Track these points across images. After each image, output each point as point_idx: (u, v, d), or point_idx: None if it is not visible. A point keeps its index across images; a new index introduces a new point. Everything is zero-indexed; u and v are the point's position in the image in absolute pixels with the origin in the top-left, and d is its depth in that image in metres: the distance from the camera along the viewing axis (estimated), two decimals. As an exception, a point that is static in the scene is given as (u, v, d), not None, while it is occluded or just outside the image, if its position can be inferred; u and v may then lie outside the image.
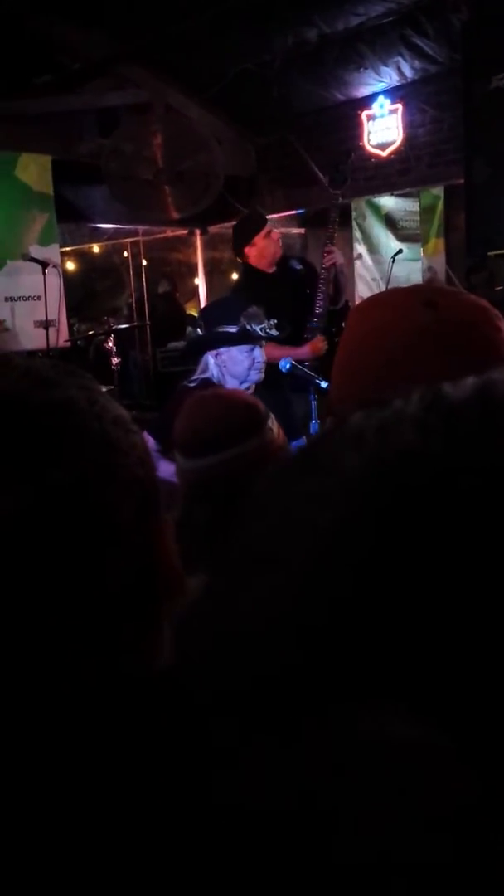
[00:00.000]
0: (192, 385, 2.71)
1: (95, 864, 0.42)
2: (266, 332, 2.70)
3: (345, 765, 0.24)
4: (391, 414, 0.30)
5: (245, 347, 2.68)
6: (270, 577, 0.28)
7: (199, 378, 2.72)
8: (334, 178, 4.36)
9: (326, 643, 0.26)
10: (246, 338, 2.68)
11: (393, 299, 0.89)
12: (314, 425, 3.19)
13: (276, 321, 2.73)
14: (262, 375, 2.75)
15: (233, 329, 2.69)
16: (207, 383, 2.68)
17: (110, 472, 0.49)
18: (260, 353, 2.72)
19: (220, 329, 2.72)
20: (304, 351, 3.86)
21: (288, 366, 3.09)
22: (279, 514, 0.30)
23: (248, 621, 0.28)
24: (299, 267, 4.16)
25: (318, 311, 4.01)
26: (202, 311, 4.22)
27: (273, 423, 1.41)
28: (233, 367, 2.68)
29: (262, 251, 3.98)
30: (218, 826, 0.29)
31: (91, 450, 0.48)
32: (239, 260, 4.19)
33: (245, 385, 2.71)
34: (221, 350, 2.68)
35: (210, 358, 2.71)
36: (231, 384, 2.67)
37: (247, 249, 4.00)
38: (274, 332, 2.74)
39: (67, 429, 0.48)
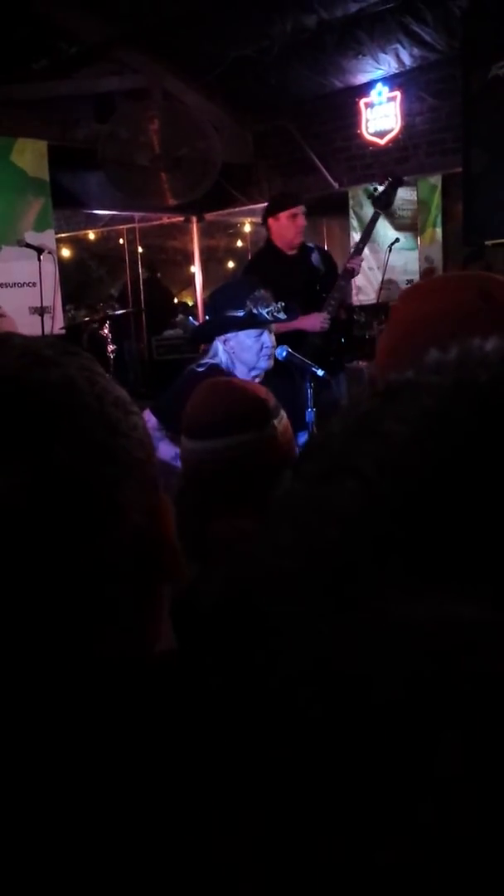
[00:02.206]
0: (200, 369, 2.70)
1: (94, 844, 0.42)
2: (273, 316, 2.69)
3: (404, 637, 0.25)
4: (468, 351, 0.32)
5: (253, 332, 2.66)
6: (353, 474, 0.29)
7: (208, 363, 2.70)
8: (378, 199, 4.40)
9: (415, 529, 0.27)
10: (253, 321, 2.66)
11: (449, 286, 0.89)
12: (310, 414, 3.18)
13: (283, 304, 2.72)
14: (272, 362, 2.74)
15: (240, 313, 2.68)
16: (215, 369, 2.66)
17: (110, 453, 0.49)
18: (269, 338, 2.71)
19: (227, 314, 2.71)
20: (307, 321, 3.91)
21: (284, 353, 3.08)
22: (363, 427, 0.31)
23: (336, 510, 0.29)
24: (319, 265, 4.24)
25: (329, 306, 4.08)
26: (209, 297, 4.24)
27: (281, 421, 1.40)
28: (241, 353, 2.67)
29: (281, 229, 4.09)
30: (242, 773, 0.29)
31: (91, 430, 0.48)
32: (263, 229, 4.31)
33: (255, 372, 2.69)
34: (230, 336, 2.67)
35: (219, 344, 2.69)
36: (240, 371, 2.65)
37: (270, 221, 4.13)
38: (282, 316, 2.73)
39: (67, 408, 0.47)
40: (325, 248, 5.47)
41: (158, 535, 0.53)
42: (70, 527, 0.46)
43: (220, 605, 0.33)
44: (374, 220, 4.43)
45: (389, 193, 4.43)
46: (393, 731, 0.24)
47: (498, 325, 0.77)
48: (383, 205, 4.42)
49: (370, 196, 4.61)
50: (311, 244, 4.36)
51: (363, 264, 4.70)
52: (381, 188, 4.44)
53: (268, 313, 2.66)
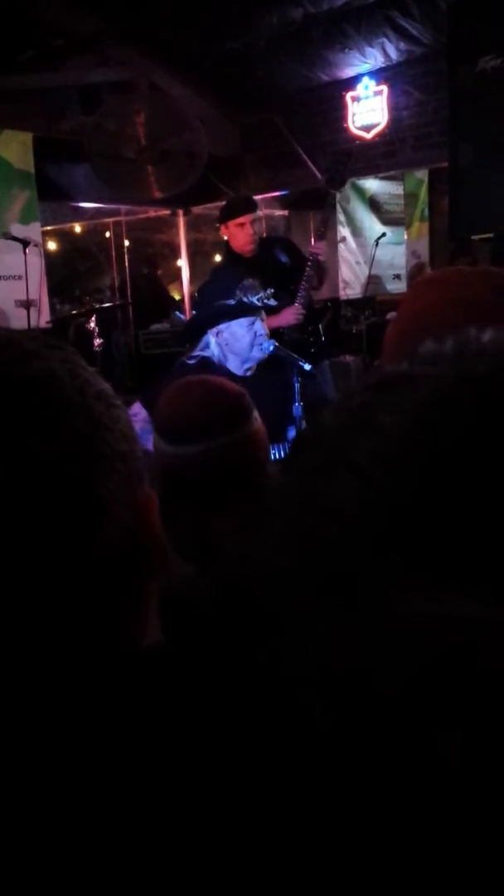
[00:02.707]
0: (191, 362, 2.69)
1: (87, 839, 0.42)
2: (263, 302, 2.68)
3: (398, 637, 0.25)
4: (465, 342, 0.31)
5: (245, 321, 2.65)
6: (350, 468, 0.29)
7: (199, 355, 2.69)
8: (332, 178, 4.42)
9: (412, 525, 0.26)
10: (244, 309, 2.65)
11: (461, 279, 0.88)
12: (297, 408, 3.18)
13: (272, 290, 2.72)
14: (265, 354, 2.73)
15: (229, 302, 2.67)
16: (206, 362, 2.65)
17: (93, 447, 0.48)
18: (261, 326, 2.70)
19: (217, 304, 2.70)
20: (282, 318, 3.92)
21: (271, 348, 3.08)
22: (357, 419, 0.31)
23: (335, 504, 0.28)
24: (284, 259, 4.25)
25: (299, 296, 4.09)
26: (198, 292, 4.24)
27: (256, 417, 1.40)
28: (234, 344, 2.66)
29: (232, 236, 4.11)
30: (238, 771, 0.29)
31: (72, 423, 0.47)
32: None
33: (248, 364, 2.68)
34: (222, 327, 2.66)
35: (211, 337, 2.68)
36: (233, 363, 2.64)
37: (223, 228, 4.16)
38: (272, 302, 2.73)
39: (49, 403, 0.47)
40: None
41: (144, 529, 0.53)
42: (51, 522, 0.45)
43: (217, 604, 0.32)
44: (331, 206, 4.47)
45: (341, 171, 4.44)
46: (393, 729, 0.24)
47: None
48: (336, 185, 4.46)
49: (326, 177, 4.62)
50: (273, 237, 4.36)
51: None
52: (333, 169, 4.48)
53: (258, 300, 2.65)
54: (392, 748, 0.24)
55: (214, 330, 2.67)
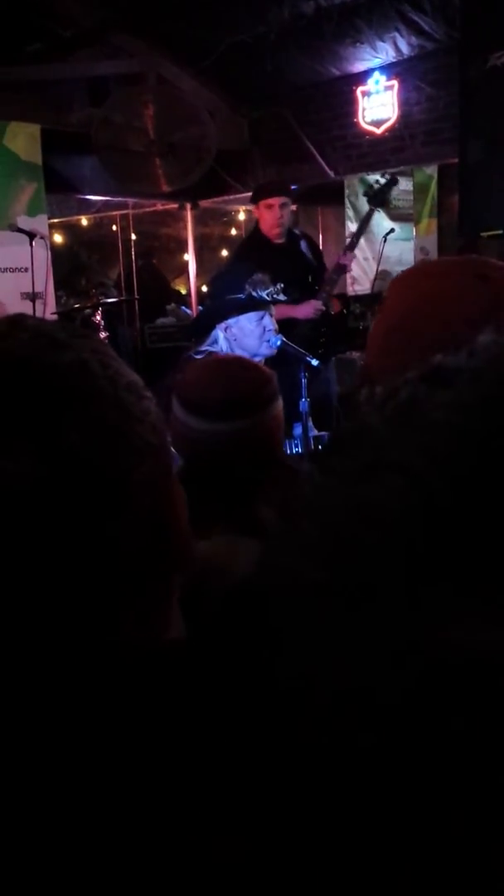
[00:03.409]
0: (198, 357, 2.68)
1: (99, 829, 0.41)
2: (273, 297, 2.68)
3: (430, 668, 0.23)
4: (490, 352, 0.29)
5: (254, 316, 2.64)
6: (399, 470, 0.26)
7: (206, 350, 2.69)
8: (374, 196, 4.46)
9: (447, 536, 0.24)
10: (253, 304, 2.64)
11: (444, 270, 0.87)
12: (304, 404, 3.17)
13: (282, 285, 2.72)
14: (273, 349, 2.72)
15: (239, 297, 2.66)
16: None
17: (123, 437, 0.48)
18: (270, 321, 2.69)
19: (226, 298, 2.69)
20: (301, 309, 3.95)
21: (278, 342, 3.07)
22: (407, 416, 0.28)
23: (372, 510, 0.26)
24: (308, 255, 4.31)
25: (322, 294, 4.15)
26: (209, 285, 4.26)
27: (280, 402, 1.40)
28: (243, 339, 2.65)
29: (261, 216, 4.23)
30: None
31: (104, 414, 0.47)
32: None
33: (256, 359, 2.68)
34: (230, 322, 2.65)
35: (219, 332, 2.67)
36: None
37: (253, 208, 4.31)
38: (281, 297, 2.73)
39: (80, 392, 0.46)
40: (321, 237, 5.47)
41: (170, 521, 0.52)
42: (80, 511, 0.45)
43: (240, 610, 0.31)
44: (368, 217, 4.47)
45: (385, 191, 4.47)
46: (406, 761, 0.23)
47: (496, 306, 0.76)
48: (378, 202, 4.46)
49: (367, 192, 4.65)
50: (301, 231, 4.41)
51: (359, 254, 4.72)
52: (378, 184, 4.48)
53: (267, 295, 2.65)
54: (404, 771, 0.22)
55: (223, 325, 2.66)
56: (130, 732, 0.43)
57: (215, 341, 2.68)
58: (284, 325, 3.67)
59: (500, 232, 4.83)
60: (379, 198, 4.46)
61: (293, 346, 3.05)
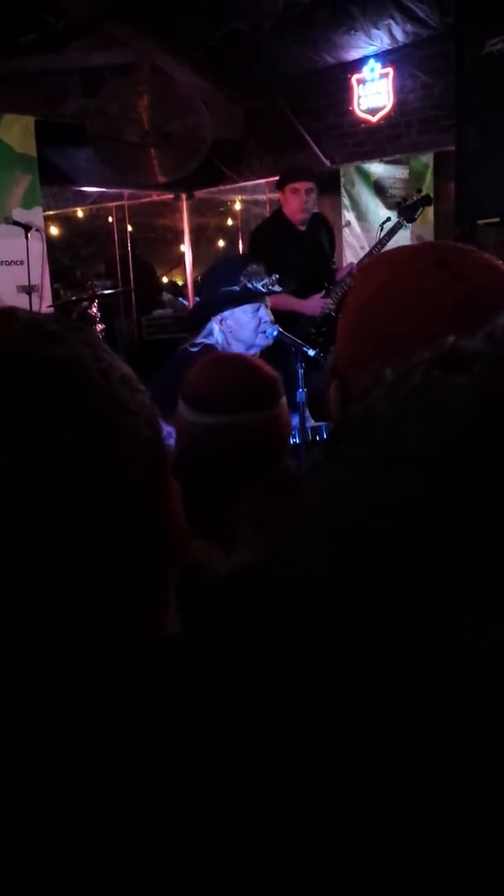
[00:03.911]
0: (194, 350, 2.67)
1: (101, 827, 0.41)
2: (268, 288, 2.67)
3: (443, 663, 0.22)
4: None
5: (250, 308, 2.63)
6: (399, 471, 0.25)
7: (202, 342, 2.67)
8: (406, 210, 4.46)
9: (449, 532, 0.23)
10: (248, 295, 2.63)
11: (403, 258, 0.86)
12: (301, 394, 3.16)
13: (277, 276, 2.71)
14: (269, 340, 2.72)
15: (235, 288, 2.65)
16: (210, 349, 2.64)
17: (117, 432, 0.47)
18: (266, 313, 2.68)
19: (222, 290, 2.68)
20: (308, 304, 3.96)
21: (275, 332, 3.06)
22: (419, 404, 0.27)
23: (381, 505, 0.25)
24: (326, 243, 4.40)
25: (334, 292, 4.18)
26: (202, 278, 4.26)
27: (284, 400, 1.39)
28: (239, 331, 2.64)
29: (286, 200, 4.32)
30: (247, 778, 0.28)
31: (97, 408, 0.46)
32: None
33: (252, 350, 2.67)
34: (226, 314, 2.64)
35: (214, 325, 2.66)
36: (237, 350, 2.62)
37: (279, 194, 4.38)
38: (276, 288, 2.71)
39: (72, 386, 0.46)
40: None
41: (166, 517, 0.52)
42: (74, 508, 0.44)
43: (241, 602, 0.30)
44: (394, 230, 4.48)
45: (417, 208, 4.48)
46: (406, 765, 0.22)
47: (456, 291, 0.75)
48: (409, 217, 4.49)
49: (399, 204, 4.68)
50: (323, 218, 4.50)
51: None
52: (410, 201, 4.50)
53: (263, 286, 2.64)
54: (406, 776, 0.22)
55: (218, 317, 2.65)
56: (131, 730, 0.43)
57: (210, 333, 2.67)
58: (286, 317, 3.68)
59: (497, 220, 4.81)
60: (409, 213, 4.46)
61: (290, 336, 3.04)
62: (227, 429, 1.27)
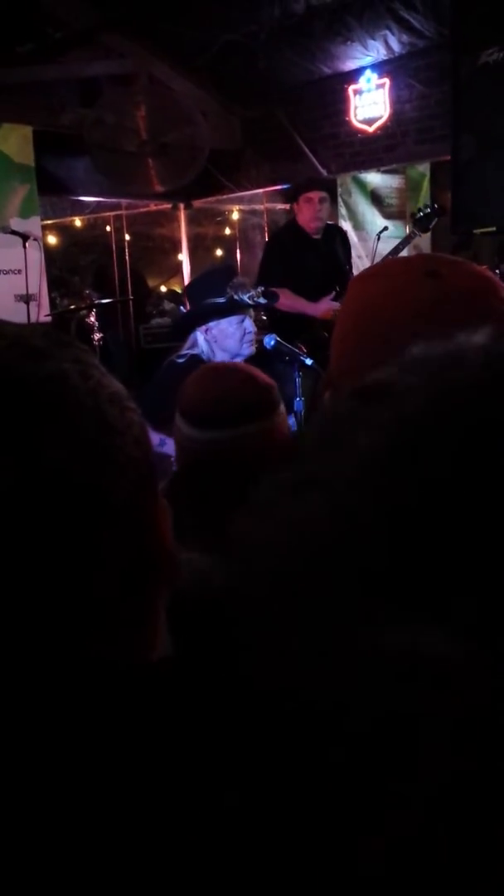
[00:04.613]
0: (180, 360, 2.68)
1: (90, 847, 0.40)
2: (254, 300, 2.69)
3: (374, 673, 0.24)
4: (453, 348, 0.29)
5: (235, 319, 2.65)
6: (323, 489, 0.27)
7: (188, 353, 2.69)
8: (419, 220, 4.52)
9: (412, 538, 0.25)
10: (235, 307, 2.65)
11: (393, 269, 0.86)
12: (298, 403, 3.17)
13: (262, 289, 2.74)
14: (254, 348, 2.73)
15: (221, 300, 2.67)
16: (196, 359, 2.65)
17: (105, 453, 0.46)
18: (250, 324, 2.70)
19: (208, 301, 2.69)
20: (318, 307, 4.02)
21: (273, 342, 3.07)
22: (334, 436, 0.29)
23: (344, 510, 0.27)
24: (340, 252, 4.43)
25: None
26: (187, 288, 4.27)
27: (282, 408, 1.39)
28: (224, 340, 2.65)
29: (299, 210, 4.40)
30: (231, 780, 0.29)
31: (83, 428, 0.45)
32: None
33: (238, 360, 2.68)
34: (211, 325, 2.65)
35: (199, 334, 2.67)
36: (222, 359, 2.64)
37: (294, 204, 4.48)
38: (262, 300, 2.74)
39: (59, 405, 0.45)
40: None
41: (154, 536, 0.51)
42: (58, 530, 0.43)
43: (203, 617, 0.32)
44: (407, 240, 4.56)
45: (431, 218, 4.54)
46: (359, 759, 0.23)
47: (446, 302, 0.75)
48: (422, 227, 4.54)
49: (412, 214, 4.75)
50: (337, 227, 4.59)
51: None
52: (424, 212, 4.55)
53: (248, 298, 2.65)
54: (358, 775, 0.23)
55: (203, 327, 2.67)
56: (114, 745, 0.43)
57: (195, 343, 2.68)
58: (297, 320, 3.72)
59: (494, 229, 4.83)
60: (423, 224, 4.51)
61: (288, 345, 3.05)
62: (229, 443, 1.26)
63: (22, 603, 0.42)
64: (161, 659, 0.51)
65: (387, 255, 4.56)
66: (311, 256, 4.31)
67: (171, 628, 0.53)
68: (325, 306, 4.15)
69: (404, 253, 4.39)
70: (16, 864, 0.39)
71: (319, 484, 0.27)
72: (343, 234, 4.78)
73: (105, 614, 0.46)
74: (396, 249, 4.57)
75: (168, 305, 8.39)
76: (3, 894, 0.40)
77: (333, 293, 4.21)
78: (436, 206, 4.72)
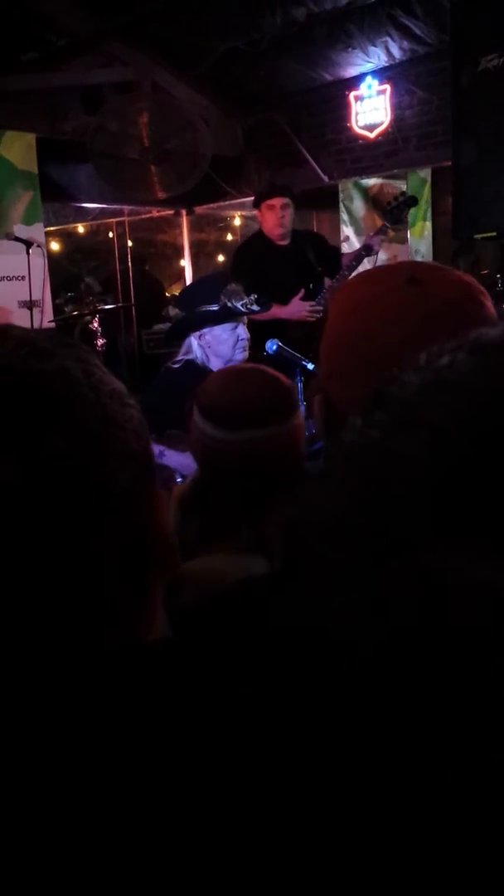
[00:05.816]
0: (175, 366, 2.70)
1: (91, 831, 0.42)
2: (247, 308, 2.70)
3: (439, 581, 0.25)
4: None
5: (228, 325, 2.67)
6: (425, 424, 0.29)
7: (183, 359, 2.71)
8: (390, 212, 4.40)
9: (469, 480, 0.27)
10: (228, 315, 2.67)
11: (376, 277, 0.89)
12: (301, 407, 3.18)
13: (256, 296, 2.74)
14: (247, 354, 2.75)
15: (214, 308, 2.68)
16: (191, 365, 2.67)
17: (105, 445, 0.49)
18: (244, 331, 2.72)
19: (201, 309, 2.71)
20: (287, 309, 3.98)
21: (275, 347, 3.09)
22: (442, 379, 0.31)
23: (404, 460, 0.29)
24: (311, 256, 4.34)
25: (319, 297, 4.16)
26: (181, 294, 4.27)
27: (301, 409, 1.41)
28: (217, 346, 2.67)
29: (262, 218, 4.33)
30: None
31: (86, 421, 0.48)
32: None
33: (231, 365, 2.69)
34: (204, 331, 2.67)
35: (193, 340, 2.69)
36: (216, 364, 2.65)
37: (257, 213, 4.40)
38: (255, 308, 2.74)
39: (62, 400, 0.47)
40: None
41: (152, 525, 0.53)
42: (63, 518, 0.46)
43: (224, 609, 0.32)
44: (381, 232, 4.43)
45: (402, 208, 4.44)
46: (416, 713, 0.24)
47: (426, 307, 0.77)
48: (393, 219, 4.43)
49: (383, 206, 4.63)
50: (307, 231, 4.46)
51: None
52: (395, 202, 4.44)
53: (242, 306, 2.67)
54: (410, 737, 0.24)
55: (197, 333, 2.69)
56: (115, 730, 0.44)
57: (189, 349, 2.70)
58: (271, 325, 3.70)
59: (494, 234, 4.84)
60: (395, 215, 4.39)
61: (289, 350, 3.07)
62: (257, 443, 1.28)
63: (25, 583, 0.44)
64: (156, 640, 0.53)
65: (360, 249, 4.45)
66: (279, 263, 4.21)
67: (169, 614, 0.55)
68: (294, 307, 4.11)
69: (377, 247, 4.29)
70: (22, 832, 0.41)
71: (421, 422, 0.29)
72: (316, 238, 4.66)
73: (105, 595, 0.48)
74: (368, 240, 4.36)
75: (172, 311, 8.41)
76: (9, 865, 0.41)
77: (302, 292, 4.16)
78: (407, 194, 4.63)
